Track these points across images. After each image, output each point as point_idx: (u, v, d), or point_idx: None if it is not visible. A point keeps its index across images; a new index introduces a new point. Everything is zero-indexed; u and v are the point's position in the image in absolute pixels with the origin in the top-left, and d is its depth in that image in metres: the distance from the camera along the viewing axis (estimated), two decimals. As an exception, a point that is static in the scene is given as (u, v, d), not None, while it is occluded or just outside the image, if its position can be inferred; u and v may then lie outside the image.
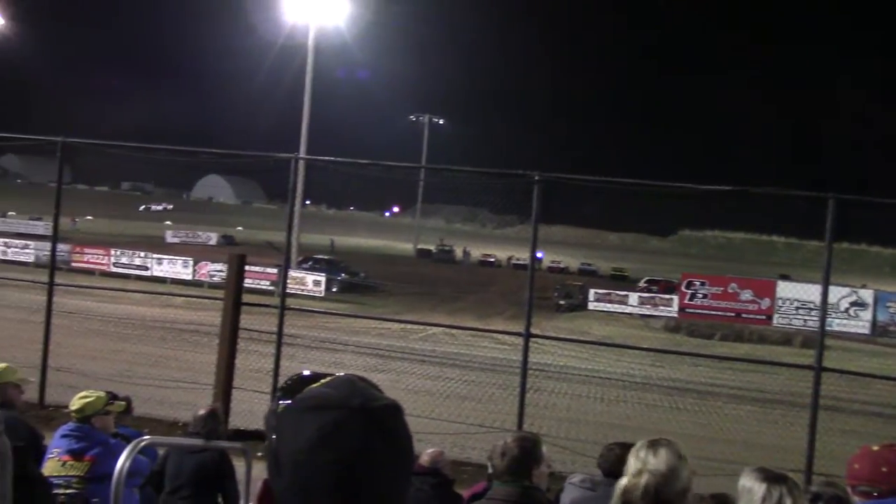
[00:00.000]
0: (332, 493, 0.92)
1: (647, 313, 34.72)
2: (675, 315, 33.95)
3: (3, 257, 32.26)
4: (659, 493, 2.03)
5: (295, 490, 0.94)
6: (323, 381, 1.02)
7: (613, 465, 3.51)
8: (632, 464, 2.15)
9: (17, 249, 33.12)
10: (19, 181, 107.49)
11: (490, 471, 3.91)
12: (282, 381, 1.11)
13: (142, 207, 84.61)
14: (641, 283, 41.49)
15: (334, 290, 31.66)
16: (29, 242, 33.76)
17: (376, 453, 0.94)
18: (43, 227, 40.67)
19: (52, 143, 10.08)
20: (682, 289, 34.93)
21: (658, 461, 2.10)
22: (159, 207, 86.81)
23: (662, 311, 34.65)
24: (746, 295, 33.61)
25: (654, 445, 2.15)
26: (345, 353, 16.71)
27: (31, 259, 31.37)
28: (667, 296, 35.99)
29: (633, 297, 36.26)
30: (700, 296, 34.20)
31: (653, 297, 36.37)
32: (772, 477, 2.29)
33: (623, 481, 2.09)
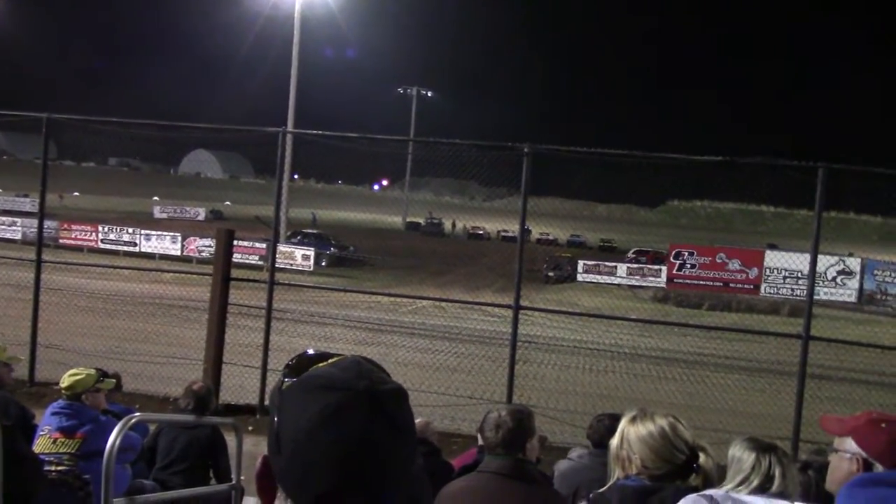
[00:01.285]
0: (332, 474, 0.92)
1: (636, 284, 34.88)
2: (664, 285, 34.14)
3: (-11, 234, 32.03)
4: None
5: (294, 469, 0.94)
6: (330, 361, 1.02)
7: (603, 436, 3.54)
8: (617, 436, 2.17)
9: (3, 227, 32.87)
10: (5, 157, 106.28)
11: (480, 442, 3.95)
12: (288, 358, 1.09)
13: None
14: (630, 255, 41.60)
15: (323, 264, 31.63)
16: (16, 219, 33.49)
17: (379, 437, 0.94)
18: (29, 203, 40.24)
19: (38, 120, 9.96)
20: (671, 259, 35.09)
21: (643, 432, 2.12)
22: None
23: (651, 282, 34.83)
24: (734, 265, 33.82)
25: (641, 417, 2.17)
26: (334, 326, 16.73)
27: (18, 236, 31.12)
28: (655, 266, 36.15)
29: (622, 269, 36.39)
30: (688, 266, 34.39)
31: (641, 268, 36.52)
32: (762, 446, 2.32)
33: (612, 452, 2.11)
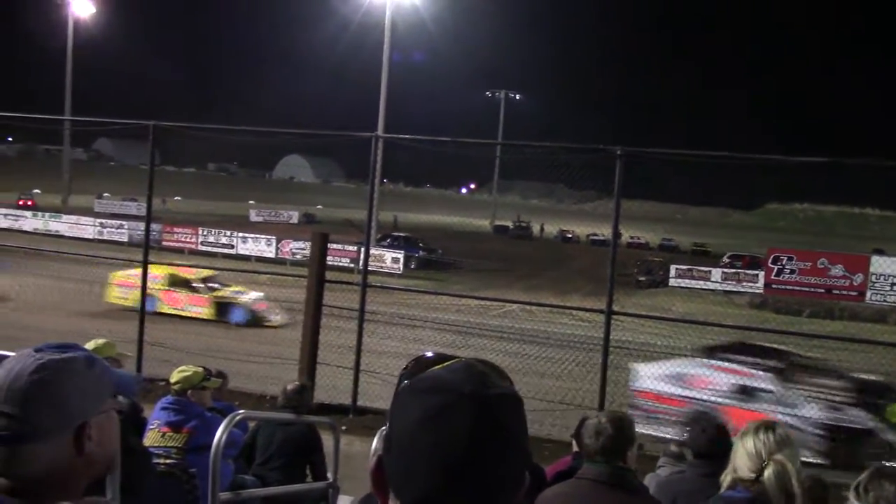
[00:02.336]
0: (430, 478, 0.91)
1: (731, 289, 33.75)
2: (761, 291, 32.87)
3: (99, 237, 33.85)
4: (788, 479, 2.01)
5: (398, 470, 0.94)
6: (445, 363, 1.02)
7: (704, 446, 3.44)
8: (751, 451, 2.13)
9: (111, 230, 34.67)
10: (112, 164, 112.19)
11: (576, 449, 3.90)
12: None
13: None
14: (725, 259, 40.31)
15: (412, 266, 31.97)
16: (123, 223, 35.24)
17: (481, 441, 0.91)
18: (135, 207, 42.42)
19: (142, 127, 10.47)
20: (769, 264, 33.75)
21: (777, 446, 2.07)
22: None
23: (747, 287, 33.62)
24: (837, 270, 32.20)
25: (767, 430, 2.11)
26: (424, 329, 16.87)
27: (125, 238, 32.80)
28: (752, 271, 34.88)
29: (716, 273, 35.29)
30: (787, 271, 32.97)
31: (737, 273, 35.32)
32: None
33: (742, 467, 2.06)
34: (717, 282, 34.69)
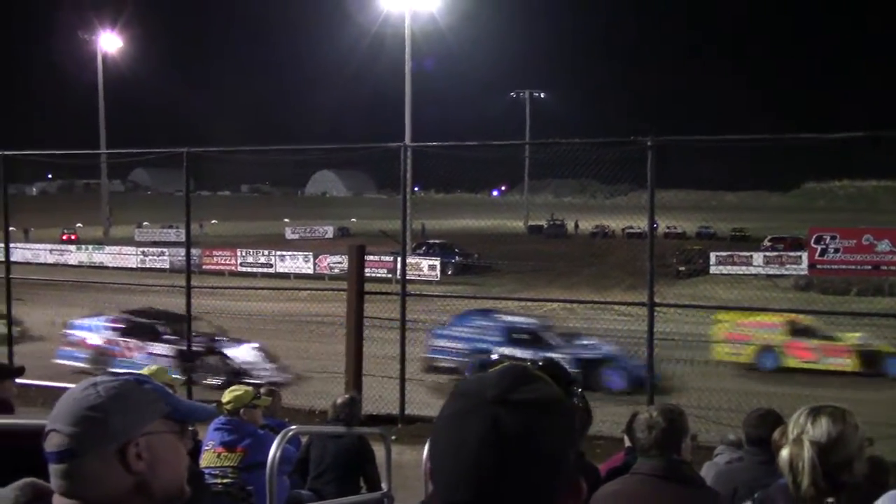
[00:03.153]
0: (451, 481, 0.91)
1: (774, 273, 33.17)
2: (806, 272, 32.24)
3: (142, 265, 34.49)
4: (822, 463, 1.94)
5: (434, 470, 0.96)
6: (497, 366, 1.02)
7: (763, 433, 3.39)
8: (791, 431, 2.06)
9: (153, 257, 35.30)
10: (149, 192, 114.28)
11: (628, 444, 3.88)
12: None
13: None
14: (765, 242, 39.64)
15: (449, 273, 32.02)
16: (164, 250, 35.86)
17: (491, 447, 0.90)
18: (174, 233, 43.17)
19: (178, 155, 10.67)
20: (811, 244, 33.10)
21: (819, 429, 2.01)
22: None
23: (791, 270, 33.01)
24: (884, 246, 31.42)
25: (815, 413, 2.06)
26: (465, 334, 16.86)
27: (166, 265, 33.36)
28: (794, 253, 34.25)
29: (758, 257, 34.74)
30: (831, 251, 32.29)
31: (779, 256, 34.71)
32: None
33: (784, 452, 2.01)
34: (759, 266, 34.12)
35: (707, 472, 3.83)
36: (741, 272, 33.38)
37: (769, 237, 41.05)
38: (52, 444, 1.26)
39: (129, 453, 1.27)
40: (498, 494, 0.89)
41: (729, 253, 35.95)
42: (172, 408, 1.36)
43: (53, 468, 1.27)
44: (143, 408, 1.31)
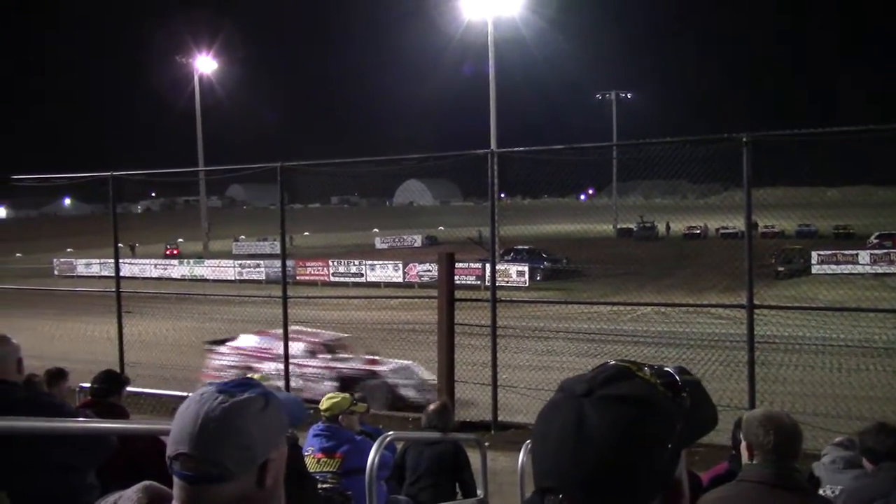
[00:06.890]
0: (541, 465, 0.96)
1: (883, 271, 31.46)
2: (918, 270, 30.49)
3: (240, 277, 35.76)
4: None
5: (531, 458, 1.00)
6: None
7: (892, 448, 3.24)
8: None
9: (250, 269, 36.55)
10: (245, 207, 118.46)
11: (733, 452, 3.76)
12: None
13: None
14: (872, 240, 37.66)
15: (538, 278, 31.81)
16: (260, 262, 37.08)
17: (577, 438, 0.92)
18: (269, 246, 44.60)
19: (272, 170, 11.02)
20: (924, 240, 31.27)
21: None
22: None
23: (901, 268, 31.29)
24: None
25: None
26: (556, 340, 16.72)
27: (262, 277, 34.48)
28: (905, 250, 32.44)
29: (864, 256, 33.04)
30: (945, 246, 30.44)
31: (888, 254, 32.92)
32: None
33: None
34: (865, 264, 32.45)
35: (819, 472, 3.73)
36: (846, 272, 31.84)
37: (876, 234, 38.99)
38: (187, 466, 1.24)
39: (266, 473, 1.28)
40: (579, 484, 0.92)
41: (832, 251, 34.37)
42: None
43: (184, 486, 1.25)
44: (279, 424, 1.33)
